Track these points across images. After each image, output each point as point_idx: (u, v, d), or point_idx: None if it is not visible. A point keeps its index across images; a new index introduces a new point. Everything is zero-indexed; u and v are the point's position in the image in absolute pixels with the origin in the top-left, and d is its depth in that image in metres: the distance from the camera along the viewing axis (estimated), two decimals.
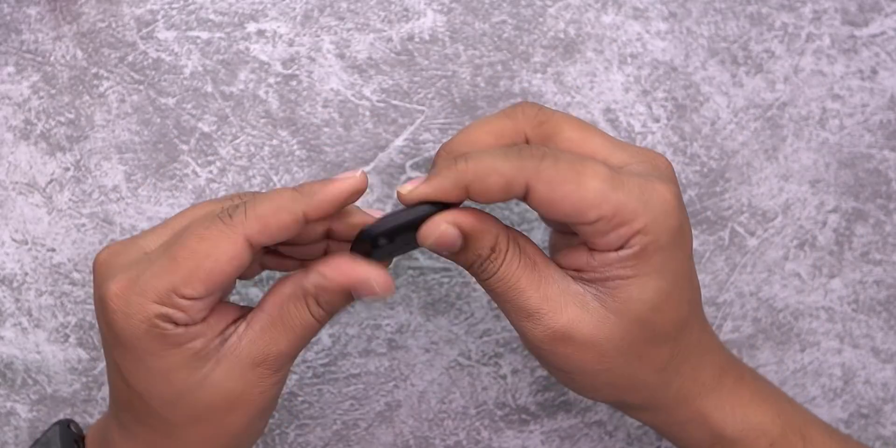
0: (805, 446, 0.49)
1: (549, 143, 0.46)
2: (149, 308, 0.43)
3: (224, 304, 0.46)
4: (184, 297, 0.43)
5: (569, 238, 0.49)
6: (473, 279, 0.57)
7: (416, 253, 0.57)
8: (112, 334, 0.44)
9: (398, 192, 0.44)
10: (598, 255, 0.44)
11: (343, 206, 0.44)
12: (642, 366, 0.46)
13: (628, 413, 0.50)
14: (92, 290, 0.56)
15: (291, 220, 0.43)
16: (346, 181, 0.44)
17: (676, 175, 0.56)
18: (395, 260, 0.57)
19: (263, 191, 0.55)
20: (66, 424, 0.51)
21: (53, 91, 0.57)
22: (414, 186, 0.44)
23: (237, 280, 0.47)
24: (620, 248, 0.43)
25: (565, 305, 0.44)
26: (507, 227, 0.46)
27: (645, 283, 0.44)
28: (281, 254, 0.48)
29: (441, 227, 0.44)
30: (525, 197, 0.43)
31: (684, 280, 0.46)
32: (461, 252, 0.45)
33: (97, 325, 0.47)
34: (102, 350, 0.47)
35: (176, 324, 0.43)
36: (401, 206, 0.45)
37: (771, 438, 0.48)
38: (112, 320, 0.44)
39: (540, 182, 0.42)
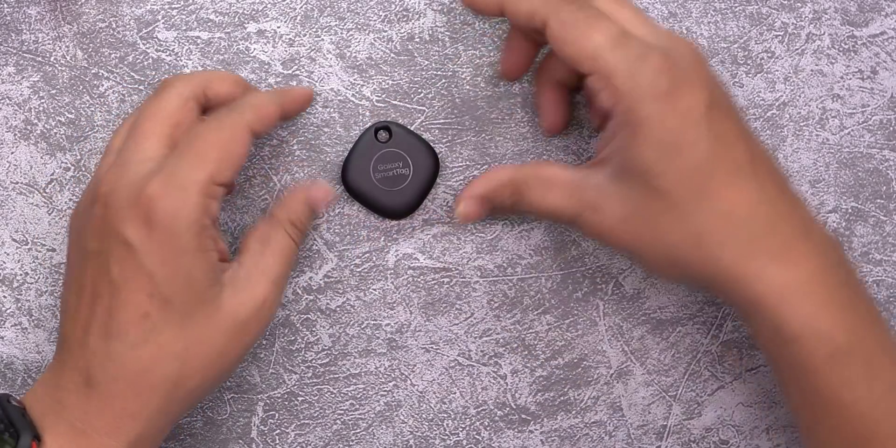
0: (869, 370, 0.46)
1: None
2: (193, 200, 0.47)
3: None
4: (220, 184, 0.48)
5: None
6: (473, 279, 0.57)
7: (416, 253, 0.57)
8: (153, 235, 0.47)
9: None
10: (604, 133, 0.50)
11: (304, 108, 0.56)
12: (673, 240, 0.48)
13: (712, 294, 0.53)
14: None
15: (276, 112, 0.51)
16: (303, 87, 0.56)
17: None
18: (396, 258, 0.57)
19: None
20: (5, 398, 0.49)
21: (53, 91, 0.57)
22: None
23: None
24: (610, 117, 0.48)
25: (594, 204, 0.49)
26: (517, 168, 0.53)
27: (638, 155, 0.47)
28: None
29: (461, 205, 0.53)
30: (544, 32, 0.49)
31: (686, 143, 0.47)
32: (497, 206, 0.53)
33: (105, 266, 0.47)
34: (109, 280, 0.47)
35: (212, 221, 0.48)
36: None
37: (831, 348, 0.46)
38: (156, 220, 0.47)
39: (556, 21, 0.48)
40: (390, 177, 0.55)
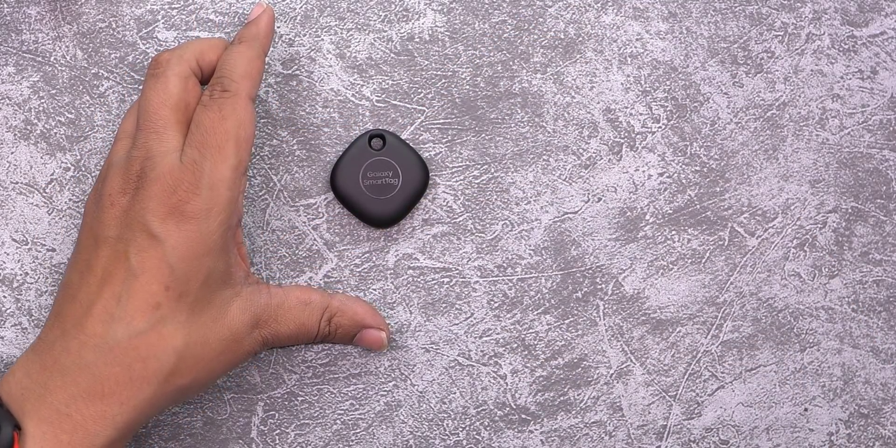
0: None
1: None
2: (223, 199, 0.48)
3: None
4: (243, 174, 0.50)
5: None
6: (473, 279, 0.57)
7: (416, 253, 0.57)
8: (182, 232, 0.48)
9: None
10: None
11: (272, 29, 0.54)
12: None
13: None
14: None
15: (261, 64, 0.51)
16: (266, 14, 0.53)
17: (677, 175, 0.56)
18: (396, 258, 0.57)
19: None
20: None
21: (53, 91, 0.57)
22: None
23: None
24: None
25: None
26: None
27: None
28: None
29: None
30: None
31: None
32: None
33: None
34: (127, 267, 0.48)
35: (238, 220, 0.50)
36: None
37: None
38: (187, 218, 0.48)
39: None
40: (378, 185, 0.56)
